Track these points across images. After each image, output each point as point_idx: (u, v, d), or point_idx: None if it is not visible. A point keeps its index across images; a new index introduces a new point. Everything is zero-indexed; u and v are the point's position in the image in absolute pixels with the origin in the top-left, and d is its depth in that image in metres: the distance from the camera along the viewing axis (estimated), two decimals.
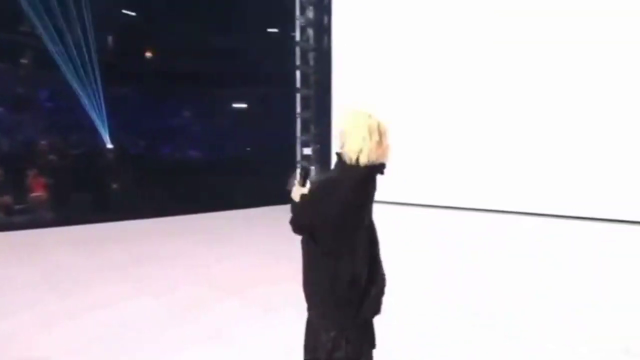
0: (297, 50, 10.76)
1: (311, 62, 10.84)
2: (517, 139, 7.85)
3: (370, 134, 1.45)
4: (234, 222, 8.20)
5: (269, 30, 11.91)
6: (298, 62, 10.90)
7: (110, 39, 11.03)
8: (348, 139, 1.47)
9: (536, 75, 7.77)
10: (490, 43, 8.38)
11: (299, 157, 11.10)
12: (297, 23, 10.27)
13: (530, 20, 8.23)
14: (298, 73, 10.92)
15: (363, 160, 1.45)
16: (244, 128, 12.43)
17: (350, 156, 1.47)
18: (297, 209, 1.62)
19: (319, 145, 11.24)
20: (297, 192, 1.59)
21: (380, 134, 1.49)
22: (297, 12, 9.88)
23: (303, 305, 3.58)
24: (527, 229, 6.73)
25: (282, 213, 9.76)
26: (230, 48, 11.01)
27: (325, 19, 10.31)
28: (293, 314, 3.40)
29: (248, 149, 13.21)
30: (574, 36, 7.40)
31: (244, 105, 13.39)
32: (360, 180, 1.49)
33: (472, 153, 8.66)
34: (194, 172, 11.05)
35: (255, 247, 5.93)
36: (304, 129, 11.07)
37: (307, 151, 10.94)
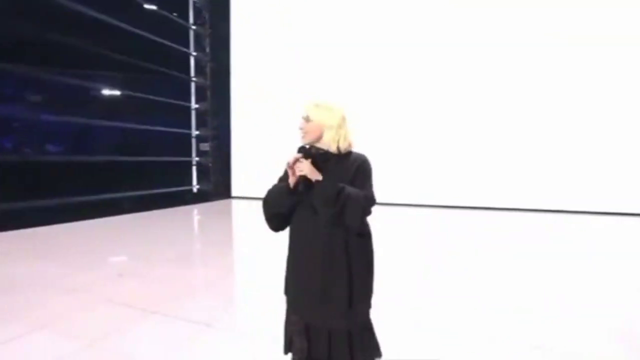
0: (191, 34, 9.66)
1: (207, 49, 9.87)
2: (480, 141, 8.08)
3: (344, 123, 1.49)
4: (117, 231, 6.79)
5: (147, 6, 10.18)
6: (192, 48, 9.79)
7: None
8: (327, 131, 1.46)
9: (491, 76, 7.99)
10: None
11: (194, 154, 9.98)
12: (191, 3, 9.20)
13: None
14: (192, 60, 9.81)
15: (343, 147, 1.46)
16: (120, 119, 10.50)
17: (330, 145, 1.46)
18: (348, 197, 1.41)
19: (217, 141, 10.32)
20: (312, 170, 1.41)
21: (347, 123, 1.54)
22: None
23: (249, 316, 3.11)
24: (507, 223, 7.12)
25: (176, 215, 8.49)
26: (99, 21, 9.06)
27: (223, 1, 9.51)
28: (239, 326, 2.87)
29: (129, 144, 11.26)
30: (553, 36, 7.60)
31: (117, 93, 11.34)
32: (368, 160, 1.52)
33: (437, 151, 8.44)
34: (54, 172, 8.79)
35: (156, 256, 4.97)
36: (200, 122, 10.02)
37: (205, 147, 9.92)
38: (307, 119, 1.48)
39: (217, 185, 10.26)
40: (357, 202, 1.36)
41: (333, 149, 1.46)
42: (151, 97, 9.19)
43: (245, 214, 9.04)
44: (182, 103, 9.69)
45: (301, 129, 1.48)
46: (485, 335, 2.63)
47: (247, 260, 4.91)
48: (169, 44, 9.15)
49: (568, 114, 7.81)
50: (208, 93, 9.94)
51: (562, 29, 7.73)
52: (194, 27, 9.72)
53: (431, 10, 8.51)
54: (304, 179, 1.41)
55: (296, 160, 1.42)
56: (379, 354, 1.46)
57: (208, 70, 9.88)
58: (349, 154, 1.48)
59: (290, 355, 1.52)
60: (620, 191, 7.55)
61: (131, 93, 9.74)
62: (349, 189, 1.38)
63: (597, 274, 4.05)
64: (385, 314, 2.82)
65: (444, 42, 8.37)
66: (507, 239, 5.92)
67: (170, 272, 4.24)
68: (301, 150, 1.45)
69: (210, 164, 10.08)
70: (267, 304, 3.24)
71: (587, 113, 7.71)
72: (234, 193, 10.45)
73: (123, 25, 8.25)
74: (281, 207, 1.47)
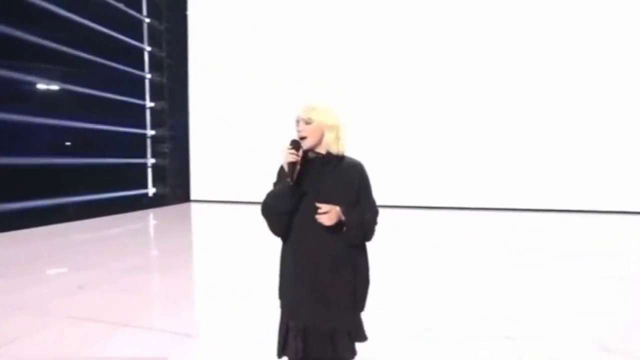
0: (145, 27, 9.09)
1: (163, 44, 9.34)
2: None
3: (342, 124, 1.50)
4: (65, 239, 6.16)
5: None
6: (146, 43, 9.20)
7: None
8: (329, 132, 1.45)
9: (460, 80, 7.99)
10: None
11: (149, 155, 9.37)
12: None
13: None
14: (146, 55, 9.23)
15: (342, 150, 1.47)
16: (64, 117, 9.54)
17: (331, 147, 1.46)
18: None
19: (174, 142, 9.78)
20: (338, 212, 1.39)
21: None
22: None
23: (229, 321, 3.01)
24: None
25: (131, 221, 7.88)
26: (36, 7, 8.12)
27: None
28: (221, 333, 2.73)
29: (68, 143, 10.27)
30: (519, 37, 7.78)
31: (56, 88, 10.36)
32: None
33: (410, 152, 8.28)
34: None
35: (115, 265, 4.57)
36: (156, 121, 9.44)
37: (164, 148, 9.36)
38: (308, 121, 1.42)
39: (175, 189, 9.73)
40: (373, 224, 1.46)
41: (334, 150, 1.45)
42: (99, 93, 8.48)
43: (206, 218, 8.69)
44: (135, 101, 9.06)
45: (300, 131, 1.43)
46: (466, 332, 2.68)
47: (213, 265, 4.69)
48: (120, 36, 8.51)
49: (554, 116, 7.97)
50: (165, 91, 9.40)
51: (556, 29, 7.83)
52: (147, 20, 9.15)
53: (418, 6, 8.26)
54: (299, 172, 1.38)
55: (293, 164, 1.38)
56: (365, 337, 1.55)
57: (165, 66, 9.34)
58: (343, 157, 1.48)
59: (284, 358, 1.51)
60: (607, 190, 7.82)
61: (75, 88, 8.90)
62: (367, 216, 1.44)
63: (582, 272, 4.19)
64: (374, 313, 2.85)
65: (427, 36, 8.28)
66: (494, 238, 6.05)
67: (134, 282, 3.94)
68: (293, 143, 1.40)
69: (167, 166, 9.53)
70: (244, 308, 3.12)
71: (573, 113, 7.89)
72: (193, 196, 9.98)
73: (65, 12, 7.51)
74: (282, 205, 1.42)
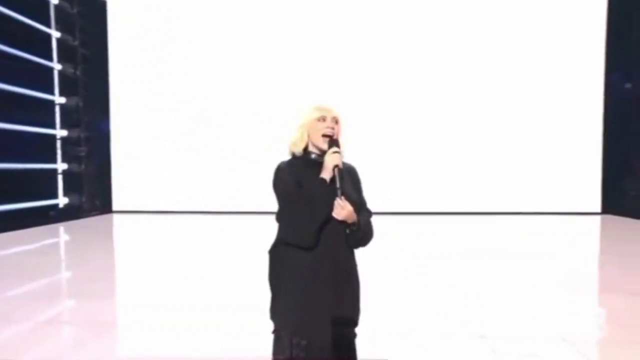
0: (52, 8, 7.81)
1: (76, 30, 8.14)
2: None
3: None
4: None
5: None
6: (54, 29, 7.86)
7: None
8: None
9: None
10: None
11: (60, 160, 7.99)
12: None
13: None
14: (54, 42, 7.91)
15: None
16: None
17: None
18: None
19: (91, 143, 8.52)
20: (352, 213, 1.37)
21: None
22: None
23: (195, 347, 2.54)
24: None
25: (34, 238, 6.93)
26: None
27: None
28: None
29: None
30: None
31: None
32: None
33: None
34: None
35: (23, 292, 3.81)
36: (68, 120, 8.14)
37: (81, 151, 8.10)
38: (336, 120, 1.38)
39: (93, 198, 8.50)
40: (371, 228, 1.45)
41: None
42: None
43: (130, 231, 7.86)
44: (41, 95, 7.67)
45: (332, 129, 1.37)
46: (442, 333, 2.74)
47: (142, 285, 4.12)
48: (17, 16, 7.06)
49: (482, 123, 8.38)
50: (79, 85, 8.16)
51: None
52: (54, 0, 7.86)
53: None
54: (338, 170, 1.32)
55: (337, 165, 1.32)
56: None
57: (79, 57, 8.11)
58: None
59: None
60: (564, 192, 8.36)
61: None
62: (367, 219, 1.44)
63: (531, 271, 4.40)
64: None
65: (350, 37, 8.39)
66: (448, 242, 6.17)
67: (45, 310, 3.24)
68: (334, 143, 1.34)
69: (82, 172, 8.27)
70: (206, 332, 2.72)
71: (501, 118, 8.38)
72: (115, 207, 8.83)
73: None
74: (324, 205, 1.32)
